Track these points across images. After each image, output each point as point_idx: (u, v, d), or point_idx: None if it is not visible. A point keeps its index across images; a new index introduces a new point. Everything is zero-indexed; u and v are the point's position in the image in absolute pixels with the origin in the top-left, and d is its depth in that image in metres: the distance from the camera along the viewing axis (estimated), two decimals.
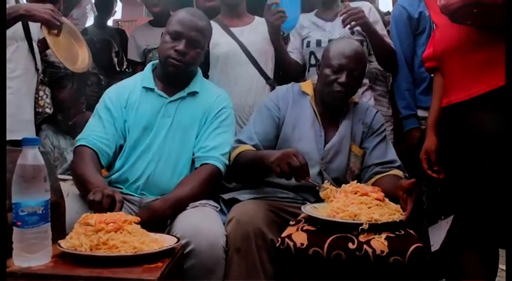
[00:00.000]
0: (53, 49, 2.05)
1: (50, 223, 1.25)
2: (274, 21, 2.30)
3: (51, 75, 2.56)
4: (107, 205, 1.51)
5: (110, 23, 3.76)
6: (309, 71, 2.47)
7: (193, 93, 1.97)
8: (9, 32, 2.06)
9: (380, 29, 2.41)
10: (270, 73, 2.47)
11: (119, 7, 5.86)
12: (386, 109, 2.60)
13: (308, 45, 2.46)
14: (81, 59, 2.26)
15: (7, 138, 1.93)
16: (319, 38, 2.44)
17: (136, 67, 2.83)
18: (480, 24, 1.72)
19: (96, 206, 1.52)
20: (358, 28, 2.35)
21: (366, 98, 2.41)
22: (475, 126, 1.77)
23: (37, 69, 2.26)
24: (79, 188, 1.80)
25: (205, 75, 2.34)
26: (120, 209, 1.53)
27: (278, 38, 2.41)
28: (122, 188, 1.89)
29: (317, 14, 2.53)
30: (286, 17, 2.29)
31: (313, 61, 2.46)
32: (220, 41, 2.38)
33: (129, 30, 3.25)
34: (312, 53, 2.45)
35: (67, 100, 2.58)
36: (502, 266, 2.07)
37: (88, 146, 1.85)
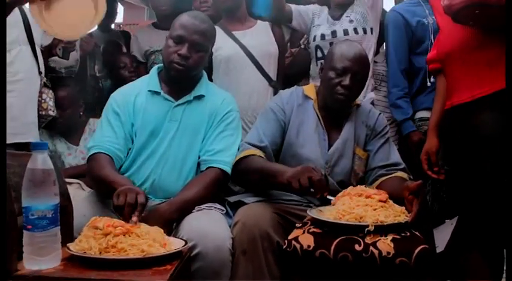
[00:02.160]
0: (37, 18, 1.96)
1: (59, 227, 1.26)
2: None
3: (51, 79, 2.57)
4: (128, 214, 1.48)
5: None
6: (317, 64, 2.50)
7: (200, 97, 1.98)
8: (13, 36, 2.07)
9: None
10: (273, 75, 2.49)
11: (120, 10, 5.89)
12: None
13: (314, 39, 2.51)
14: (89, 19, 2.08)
15: (11, 142, 1.96)
16: (323, 31, 2.49)
17: (138, 67, 2.84)
18: (482, 25, 1.74)
19: (119, 211, 1.52)
20: (360, 26, 2.43)
21: (367, 98, 2.43)
22: (478, 128, 1.78)
23: (40, 73, 2.27)
24: (100, 189, 1.81)
25: (209, 79, 2.35)
26: (141, 213, 1.50)
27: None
28: None
29: (329, 12, 2.57)
30: None
31: (319, 54, 2.49)
32: (222, 44, 2.40)
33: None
34: (317, 46, 2.50)
35: (65, 101, 2.58)
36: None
37: (102, 153, 1.86)
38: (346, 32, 2.45)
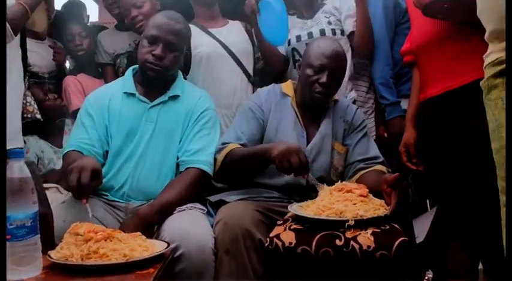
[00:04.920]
0: None
1: (39, 235, 1.25)
2: (247, 10, 2.36)
3: (36, 83, 2.55)
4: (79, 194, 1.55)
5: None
6: (294, 67, 2.49)
7: (175, 97, 1.97)
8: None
9: (350, 24, 2.44)
10: (251, 71, 2.49)
11: (95, 9, 5.81)
12: (365, 94, 2.60)
13: (289, 43, 2.49)
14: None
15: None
16: (298, 33, 2.47)
17: (105, 70, 2.81)
18: (451, 19, 1.77)
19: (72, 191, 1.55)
20: (338, 27, 2.42)
21: (348, 99, 2.41)
22: (452, 120, 1.81)
23: (25, 76, 2.25)
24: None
25: (185, 78, 2.35)
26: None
27: (257, 30, 2.41)
28: (107, 195, 1.89)
29: (298, 16, 2.57)
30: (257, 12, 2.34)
31: (297, 57, 2.48)
32: (201, 41, 2.39)
33: None
34: (294, 49, 2.48)
35: (52, 105, 2.59)
36: None
37: (75, 150, 1.85)
38: (322, 32, 2.43)
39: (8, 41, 1.97)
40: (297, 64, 2.13)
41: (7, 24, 1.93)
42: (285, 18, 2.37)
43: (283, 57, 2.51)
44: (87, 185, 1.56)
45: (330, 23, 2.46)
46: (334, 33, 2.44)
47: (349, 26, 2.44)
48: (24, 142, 2.50)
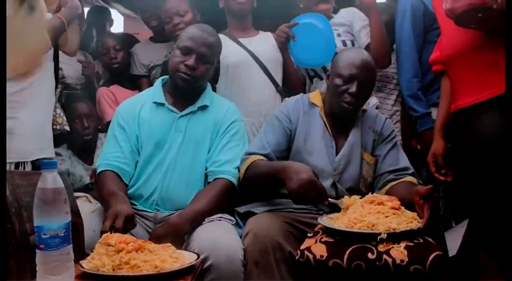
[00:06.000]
0: None
1: (71, 245, 1.25)
2: (278, 37, 2.44)
3: (68, 96, 2.60)
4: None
5: None
6: (312, 83, 2.49)
7: (204, 107, 1.99)
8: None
9: (365, 35, 2.43)
10: (279, 81, 2.50)
11: (120, 20, 5.89)
12: (391, 107, 2.59)
13: None
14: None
15: (34, 158, 2.01)
16: None
17: (140, 82, 2.84)
18: (484, 29, 1.73)
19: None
20: (348, 38, 2.42)
21: (371, 105, 2.40)
22: (483, 131, 1.77)
23: (56, 88, 2.29)
24: (105, 208, 1.80)
25: (213, 88, 2.36)
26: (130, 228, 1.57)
27: (285, 49, 2.46)
28: (136, 204, 1.90)
29: None
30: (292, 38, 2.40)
31: (311, 73, 2.50)
32: (230, 51, 2.41)
33: None
34: None
35: (86, 115, 2.63)
36: None
37: (108, 170, 1.88)
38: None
39: (46, 51, 2.01)
40: (313, 85, 2.10)
41: (47, 36, 1.97)
42: (330, 36, 2.37)
43: (302, 81, 2.57)
44: (121, 231, 1.55)
45: (339, 35, 2.45)
46: (344, 44, 2.43)
47: (365, 37, 2.43)
48: (60, 154, 2.55)
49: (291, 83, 2.55)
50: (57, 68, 2.27)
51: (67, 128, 2.46)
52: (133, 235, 1.57)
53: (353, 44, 2.45)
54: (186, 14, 2.54)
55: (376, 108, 2.38)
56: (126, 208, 1.65)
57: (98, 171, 1.91)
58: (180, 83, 1.93)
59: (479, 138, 1.79)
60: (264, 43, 2.51)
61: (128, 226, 1.59)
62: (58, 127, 2.39)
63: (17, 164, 1.97)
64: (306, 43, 2.39)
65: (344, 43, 2.43)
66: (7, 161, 1.91)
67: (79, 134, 2.62)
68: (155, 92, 2.02)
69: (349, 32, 2.47)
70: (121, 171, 1.90)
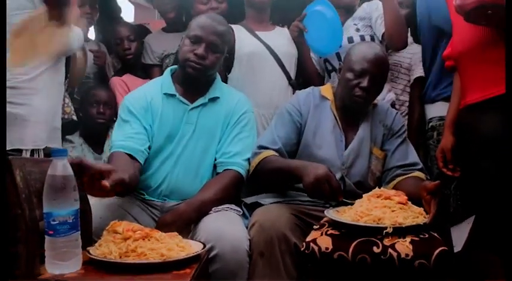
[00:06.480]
0: None
1: (79, 232, 1.27)
2: (292, 31, 2.47)
3: (83, 83, 2.62)
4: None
5: None
6: (329, 77, 2.49)
7: (214, 99, 1.98)
8: None
9: (381, 24, 2.40)
10: (292, 75, 2.51)
11: (131, 10, 5.90)
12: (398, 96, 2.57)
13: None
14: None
15: (43, 146, 2.01)
16: None
17: (152, 71, 2.85)
18: (494, 25, 1.72)
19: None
20: (367, 33, 2.41)
21: (386, 99, 2.38)
22: (491, 128, 1.76)
23: (66, 78, 2.31)
24: None
25: (225, 78, 2.39)
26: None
27: (300, 42, 2.47)
28: (144, 194, 1.92)
29: None
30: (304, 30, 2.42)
31: (329, 67, 2.50)
32: (245, 41, 2.43)
33: None
34: (326, 60, 2.50)
35: (104, 101, 2.66)
36: None
37: (119, 151, 1.82)
38: (350, 40, 2.40)
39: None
40: (330, 81, 2.09)
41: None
42: (337, 24, 2.36)
43: (319, 75, 2.56)
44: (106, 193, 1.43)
45: (358, 29, 2.43)
46: (363, 40, 2.41)
47: (380, 27, 2.39)
48: (71, 141, 2.57)
49: (308, 75, 2.54)
50: (68, 59, 2.27)
51: (74, 117, 2.47)
52: (139, 223, 1.58)
53: (372, 39, 2.42)
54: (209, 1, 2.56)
55: (393, 104, 2.36)
56: (121, 174, 1.52)
57: (110, 152, 1.87)
58: (189, 72, 1.92)
59: (481, 137, 1.79)
60: (280, 37, 2.52)
61: (116, 188, 1.45)
62: (66, 116, 2.39)
63: (32, 152, 1.97)
64: (315, 31, 2.40)
65: (362, 38, 2.40)
66: (23, 147, 1.94)
67: (93, 117, 2.63)
68: (164, 82, 2.01)
69: (369, 25, 2.45)
70: (135, 151, 1.82)
